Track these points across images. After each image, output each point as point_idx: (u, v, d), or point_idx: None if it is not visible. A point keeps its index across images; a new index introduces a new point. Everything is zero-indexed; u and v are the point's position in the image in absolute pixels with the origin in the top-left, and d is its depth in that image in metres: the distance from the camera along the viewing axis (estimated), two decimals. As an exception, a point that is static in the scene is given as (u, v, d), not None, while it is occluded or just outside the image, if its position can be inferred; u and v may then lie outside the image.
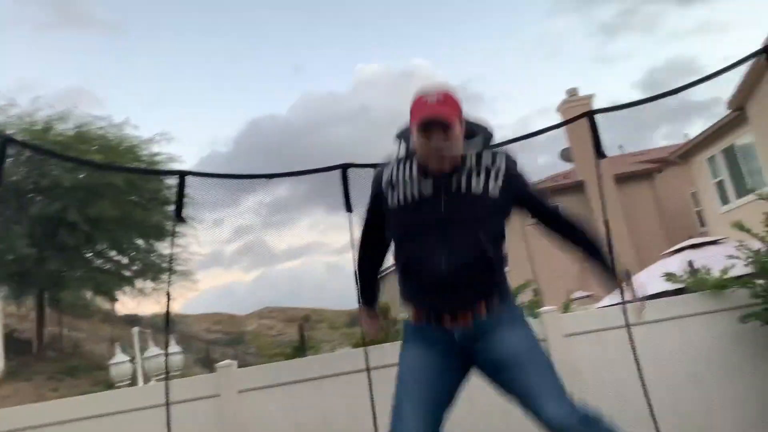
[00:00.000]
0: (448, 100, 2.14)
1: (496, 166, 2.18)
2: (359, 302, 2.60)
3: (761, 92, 12.67)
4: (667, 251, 10.92)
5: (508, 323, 2.19)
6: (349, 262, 3.86)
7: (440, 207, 2.13)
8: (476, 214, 2.14)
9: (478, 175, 2.15)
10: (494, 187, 2.15)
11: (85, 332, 20.33)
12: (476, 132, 2.25)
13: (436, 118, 2.08)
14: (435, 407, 2.16)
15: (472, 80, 63.79)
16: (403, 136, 2.30)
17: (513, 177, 2.21)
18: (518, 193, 2.24)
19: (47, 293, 16.89)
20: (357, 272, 2.59)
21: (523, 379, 2.10)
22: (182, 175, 3.80)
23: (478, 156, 2.19)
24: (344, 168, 4.10)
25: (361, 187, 4.83)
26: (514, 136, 4.21)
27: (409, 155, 2.24)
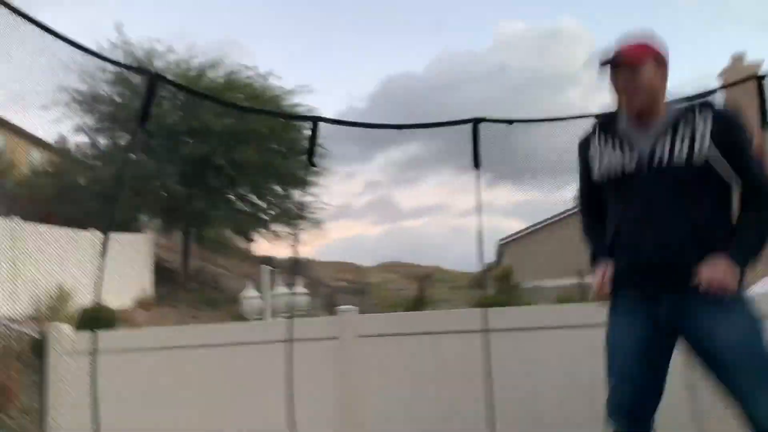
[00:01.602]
0: (643, 44, 2.09)
1: (703, 125, 2.02)
2: (592, 263, 2.35)
3: None
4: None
5: (724, 305, 1.98)
6: (473, 224, 3.78)
7: (644, 182, 2.05)
8: (682, 186, 2.01)
9: (682, 139, 2.02)
10: (700, 150, 2.00)
11: (224, 268, 21.89)
12: (690, 103, 2.15)
13: (622, 56, 2.05)
14: (649, 379, 2.12)
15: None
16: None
17: (724, 135, 2.02)
18: (726, 153, 2.03)
19: (192, 229, 18.30)
20: (586, 237, 2.39)
21: (735, 375, 1.96)
22: (315, 120, 3.87)
23: (682, 116, 2.07)
24: (476, 122, 3.98)
25: (493, 145, 4.67)
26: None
27: (612, 124, 2.18)
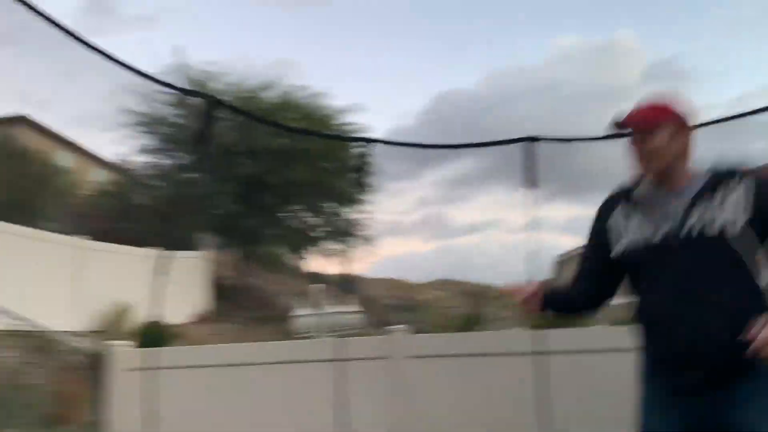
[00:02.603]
0: (657, 108, 1.96)
1: (739, 194, 1.83)
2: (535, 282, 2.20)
3: None
4: None
5: (760, 400, 1.79)
6: (524, 242, 3.73)
7: (674, 258, 1.85)
8: (716, 265, 1.80)
9: (715, 212, 1.82)
10: (734, 223, 1.80)
11: (277, 285, 22.20)
12: (723, 168, 1.94)
13: (631, 121, 1.94)
14: None
15: (681, 56, 58.22)
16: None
17: (759, 197, 1.83)
18: (764, 214, 1.82)
19: (247, 247, 18.68)
20: (562, 287, 2.25)
21: None
22: (366, 141, 3.91)
23: (717, 182, 1.88)
24: (528, 141, 3.94)
25: (545, 163, 4.61)
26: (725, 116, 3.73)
27: (635, 192, 2.02)
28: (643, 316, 1.98)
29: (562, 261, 22.49)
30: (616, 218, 2.03)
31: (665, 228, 1.89)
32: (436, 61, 56.43)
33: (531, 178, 3.85)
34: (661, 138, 1.91)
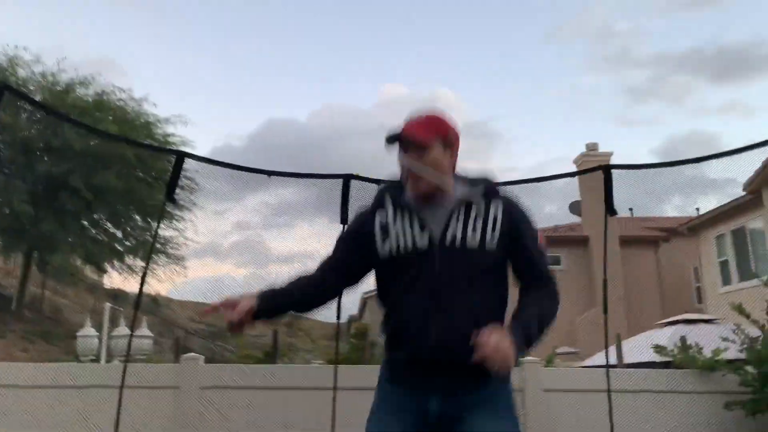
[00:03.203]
0: (431, 123, 2.01)
1: (494, 212, 1.97)
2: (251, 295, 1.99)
3: (780, 180, 12.55)
4: (661, 322, 10.72)
5: (493, 407, 1.89)
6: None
7: (434, 264, 1.90)
8: (472, 273, 1.90)
9: (475, 223, 1.94)
10: (492, 237, 1.92)
11: (68, 299, 20.20)
12: (477, 183, 2.04)
13: (408, 136, 1.95)
14: None
15: (494, 118, 63.75)
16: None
17: (514, 225, 1.97)
18: (513, 243, 1.97)
19: (37, 253, 16.77)
20: (285, 282, 2.09)
21: None
22: (180, 155, 3.71)
23: (474, 198, 1.98)
24: (347, 178, 4.00)
25: (363, 201, 4.74)
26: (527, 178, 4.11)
27: (406, 202, 2.03)
28: (395, 318, 1.99)
29: (366, 298, 23.13)
30: (384, 216, 2.04)
31: (428, 234, 1.94)
32: (271, 85, 56.18)
33: (345, 216, 3.91)
34: (436, 153, 1.96)
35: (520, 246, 1.98)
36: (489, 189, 2.03)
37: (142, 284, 3.91)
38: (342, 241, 2.14)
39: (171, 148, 14.73)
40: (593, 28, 49.41)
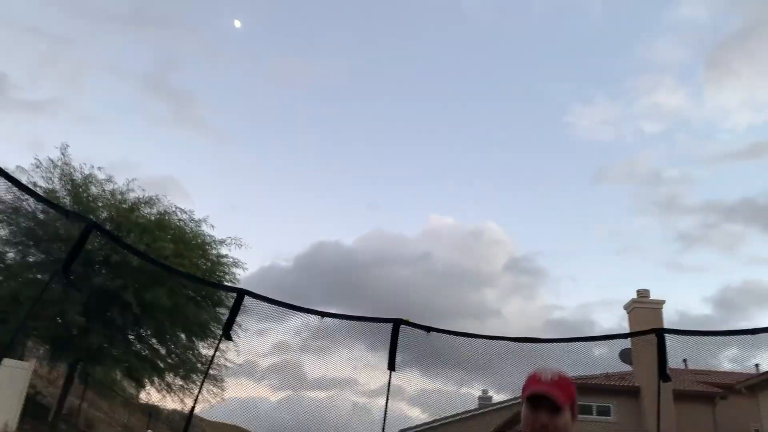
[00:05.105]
0: (562, 384, 2.12)
1: None
2: None
3: None
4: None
5: None
6: (378, 408, 3.70)
7: None
8: None
9: None
10: None
11: (103, 412, 20.06)
12: None
13: (547, 395, 2.06)
14: None
15: (540, 254, 63.71)
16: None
17: None
18: None
19: (81, 364, 16.95)
20: None
21: None
22: (241, 293, 3.85)
23: None
24: (397, 323, 4.05)
25: (406, 343, 4.74)
26: (579, 336, 4.09)
27: None
28: None
29: (406, 432, 22.20)
30: None
31: None
32: (322, 210, 58.06)
33: (393, 362, 3.92)
34: (566, 418, 2.05)
35: None
36: None
37: (191, 413, 3.92)
38: None
39: (231, 280, 15.14)
40: (643, 171, 50.09)
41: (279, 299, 4.16)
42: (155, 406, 20.23)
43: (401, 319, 4.09)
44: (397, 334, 4.12)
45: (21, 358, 15.59)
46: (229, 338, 3.90)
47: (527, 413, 2.08)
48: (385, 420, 3.96)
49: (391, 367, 3.94)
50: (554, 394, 2.05)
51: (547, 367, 2.18)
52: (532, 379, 2.12)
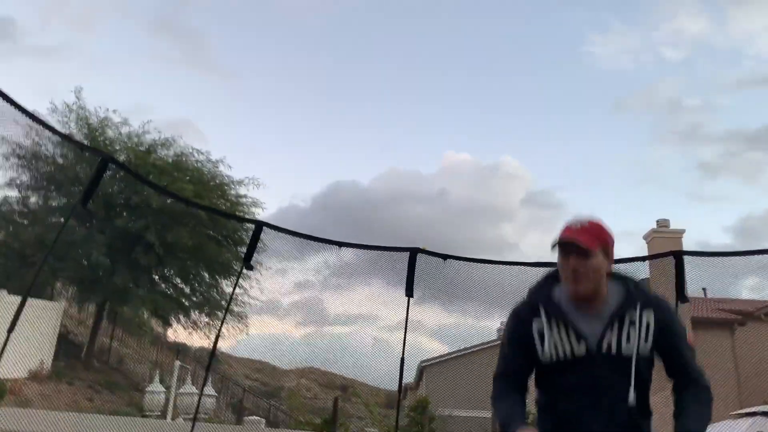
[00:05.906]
0: (592, 230, 2.15)
1: (646, 319, 2.12)
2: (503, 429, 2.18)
3: None
4: (737, 412, 10.10)
5: None
6: (398, 341, 3.78)
7: (593, 370, 2.08)
8: (627, 377, 2.07)
9: (629, 334, 2.10)
10: (645, 346, 2.10)
11: (132, 350, 20.75)
12: (626, 284, 2.20)
13: (574, 241, 2.09)
14: None
15: (558, 188, 63.32)
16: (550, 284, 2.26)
17: (665, 329, 2.14)
18: (666, 346, 2.15)
19: (108, 304, 17.44)
20: (498, 403, 2.26)
21: None
22: (259, 224, 3.89)
23: (628, 306, 2.13)
24: (413, 252, 4.08)
25: (424, 273, 4.78)
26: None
27: (552, 301, 2.20)
28: (559, 410, 2.12)
29: (424, 366, 22.72)
30: (539, 325, 2.17)
31: (584, 344, 2.08)
32: (337, 149, 57.86)
33: (410, 289, 3.97)
34: (598, 260, 2.09)
35: (673, 349, 2.17)
36: (640, 295, 2.16)
37: (215, 347, 4.04)
38: (512, 350, 2.28)
39: (249, 217, 15.28)
40: (664, 101, 48.96)
41: (297, 242, 4.20)
42: (183, 343, 20.88)
43: (418, 248, 4.11)
44: (414, 263, 4.16)
45: (51, 299, 16.04)
46: (250, 268, 3.96)
47: (560, 260, 2.15)
48: (404, 349, 4.01)
49: (409, 293, 3.99)
50: (581, 239, 2.09)
51: (581, 215, 2.23)
52: (564, 229, 2.17)
